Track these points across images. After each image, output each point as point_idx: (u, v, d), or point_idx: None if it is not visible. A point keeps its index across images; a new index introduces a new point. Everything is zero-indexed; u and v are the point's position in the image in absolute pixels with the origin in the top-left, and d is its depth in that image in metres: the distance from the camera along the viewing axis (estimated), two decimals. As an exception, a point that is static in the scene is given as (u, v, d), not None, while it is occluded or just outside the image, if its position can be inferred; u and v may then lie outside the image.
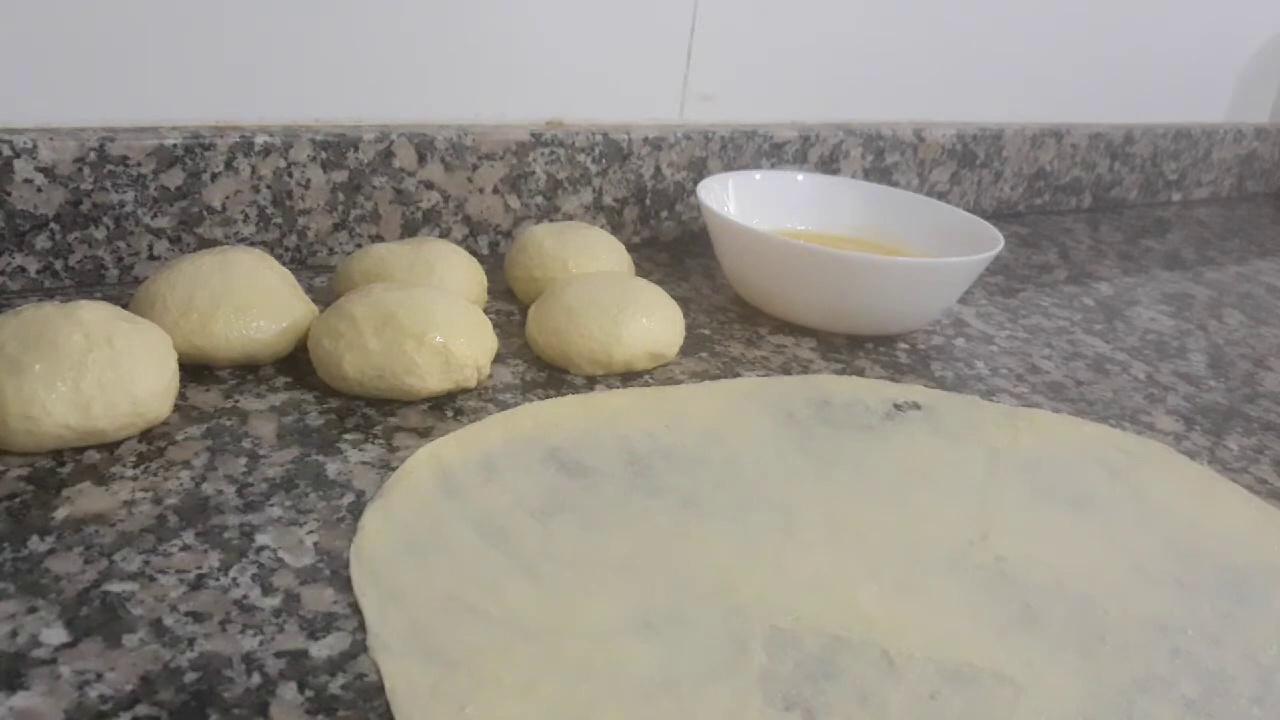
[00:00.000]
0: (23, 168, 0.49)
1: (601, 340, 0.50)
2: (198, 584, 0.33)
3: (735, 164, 0.74)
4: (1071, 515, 0.44)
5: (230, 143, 0.54)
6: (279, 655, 0.31)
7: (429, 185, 0.62)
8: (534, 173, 0.66)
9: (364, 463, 0.41)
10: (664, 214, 0.73)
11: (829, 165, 0.80)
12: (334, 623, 0.32)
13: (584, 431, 0.45)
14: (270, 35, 0.55)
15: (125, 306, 0.46)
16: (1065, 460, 0.49)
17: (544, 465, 0.42)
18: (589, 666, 0.32)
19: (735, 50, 0.73)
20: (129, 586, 0.33)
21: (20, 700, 0.28)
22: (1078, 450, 0.50)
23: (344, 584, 0.34)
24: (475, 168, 0.63)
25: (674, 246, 0.73)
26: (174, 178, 0.54)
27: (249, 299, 0.46)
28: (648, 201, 0.72)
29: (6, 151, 0.49)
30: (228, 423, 0.43)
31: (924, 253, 0.65)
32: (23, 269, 0.51)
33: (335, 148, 0.58)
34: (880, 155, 0.83)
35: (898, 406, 0.52)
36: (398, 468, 0.41)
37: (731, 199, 0.66)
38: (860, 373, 0.56)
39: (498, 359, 0.51)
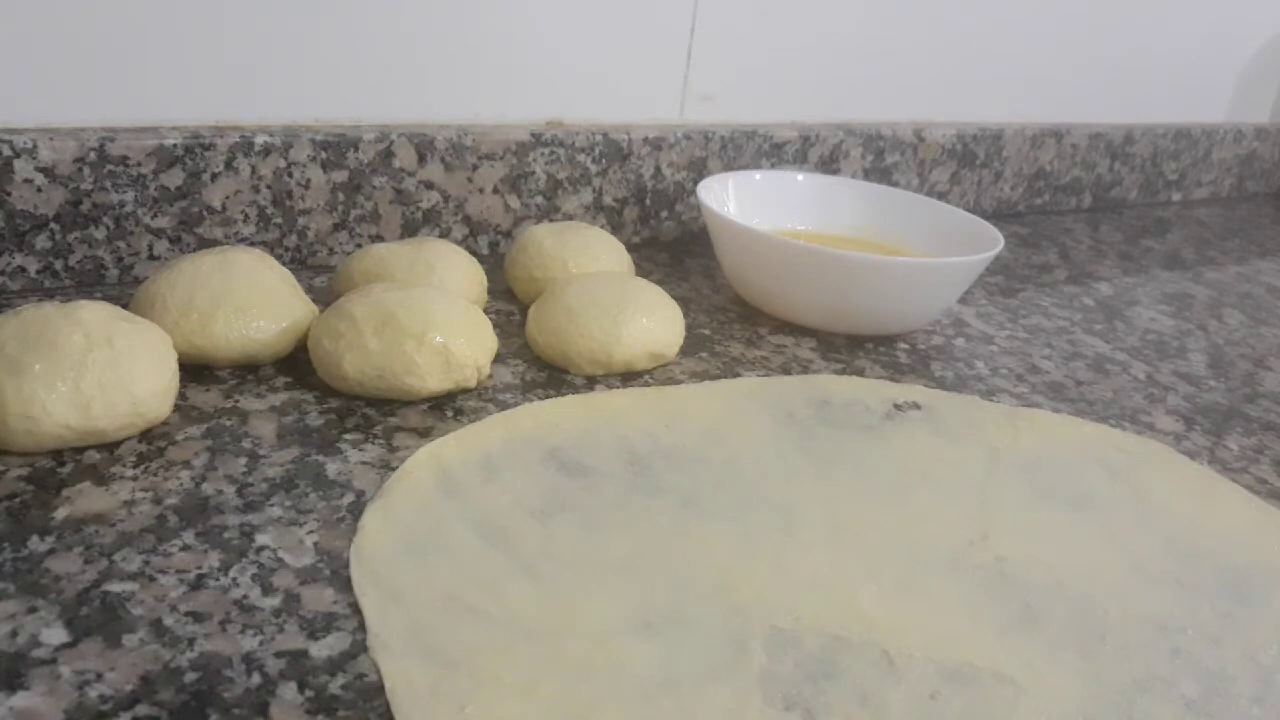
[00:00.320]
0: (23, 168, 0.49)
1: (601, 340, 0.50)
2: (198, 584, 0.33)
3: (735, 164, 0.74)
4: (1071, 515, 0.44)
5: (230, 143, 0.54)
6: (279, 655, 0.31)
7: (429, 185, 0.62)
8: (534, 173, 0.66)
9: (364, 463, 0.41)
10: (664, 214, 0.73)
11: (829, 165, 0.80)
12: (334, 623, 0.32)
13: (584, 431, 0.45)
14: (270, 35, 0.55)
15: (125, 306, 0.46)
16: (1065, 460, 0.49)
17: (544, 465, 0.42)
18: (589, 666, 0.32)
19: (735, 50, 0.73)
20: (129, 586, 0.33)
21: (20, 700, 0.28)
22: (1078, 450, 0.50)
23: (344, 584, 0.34)
24: (475, 168, 0.63)
25: (674, 246, 0.73)
26: (174, 178, 0.54)
27: (249, 299, 0.46)
28: (648, 201, 0.72)
29: (6, 151, 0.49)
30: (228, 423, 0.43)
31: (924, 253, 0.65)
32: (23, 269, 0.51)
33: (335, 148, 0.58)
34: (880, 155, 0.83)
35: (898, 406, 0.52)
36: (398, 468, 0.41)
37: (731, 199, 0.66)
38: (860, 373, 0.56)
39: (498, 359, 0.51)
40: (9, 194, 0.50)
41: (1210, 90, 1.12)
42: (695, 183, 0.72)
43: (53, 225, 0.51)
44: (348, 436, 0.43)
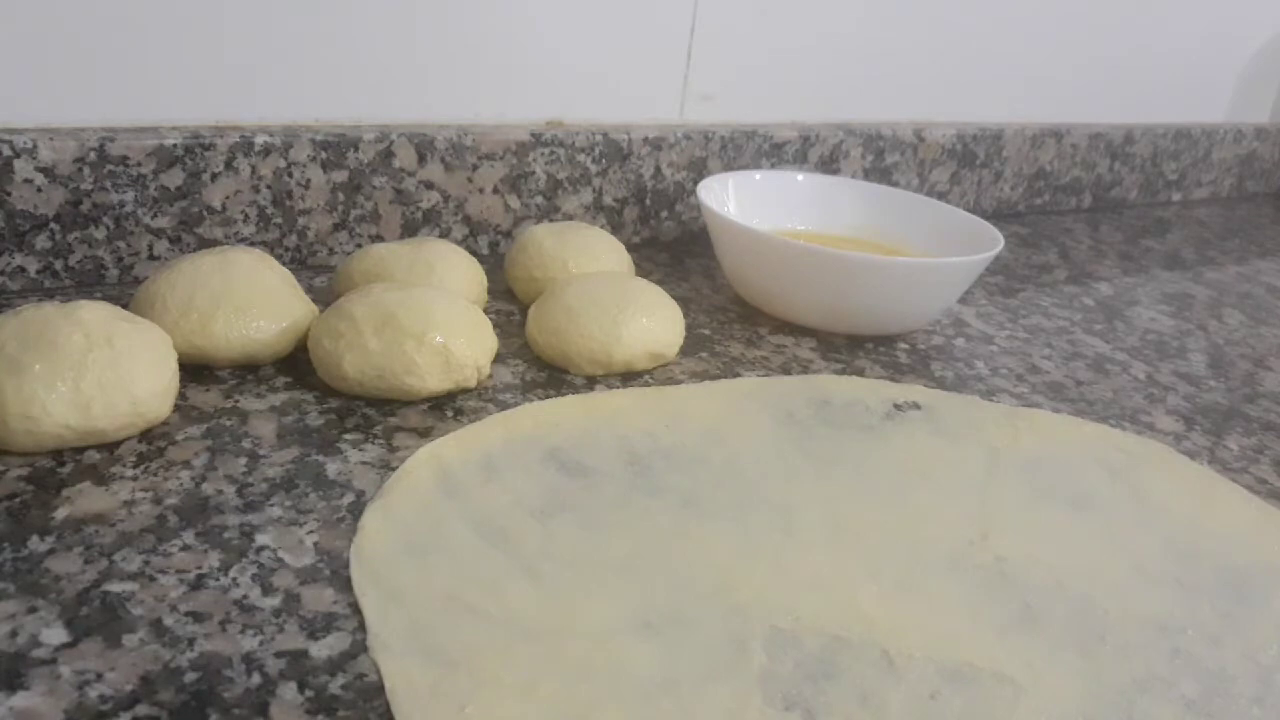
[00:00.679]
0: (23, 168, 0.49)
1: (601, 340, 0.50)
2: (198, 584, 0.33)
3: (735, 164, 0.74)
4: (1071, 515, 0.44)
5: (230, 143, 0.54)
6: (279, 655, 0.31)
7: (429, 185, 0.62)
8: (534, 173, 0.66)
9: (364, 463, 0.41)
10: (664, 214, 0.73)
11: (829, 165, 0.80)
12: (334, 623, 0.32)
13: (584, 431, 0.45)
14: (270, 35, 0.55)
15: (125, 306, 0.46)
16: (1065, 460, 0.49)
17: (544, 465, 0.42)
18: (589, 666, 0.32)
19: (735, 50, 0.73)
20: (129, 586, 0.33)
21: (20, 700, 0.28)
22: (1078, 450, 0.50)
23: (344, 584, 0.34)
24: (475, 168, 0.63)
25: (674, 246, 0.73)
26: (174, 178, 0.54)
27: (249, 299, 0.46)
28: (648, 201, 0.72)
29: (6, 151, 0.49)
30: (228, 423, 0.43)
31: (924, 253, 0.65)
32: (23, 269, 0.51)
33: (335, 148, 0.58)
34: (880, 155, 0.83)
35: (898, 406, 0.52)
36: (398, 468, 0.41)
37: (731, 199, 0.66)
38: (860, 373, 0.56)
39: (498, 359, 0.51)
40: (9, 194, 0.50)
41: (1210, 90, 1.12)
42: (695, 183, 0.72)
43: (53, 225, 0.51)
44: (348, 436, 0.43)
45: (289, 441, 0.42)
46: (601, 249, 0.58)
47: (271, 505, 0.38)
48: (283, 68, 0.56)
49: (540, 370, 0.51)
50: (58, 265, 0.52)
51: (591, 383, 0.50)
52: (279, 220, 0.58)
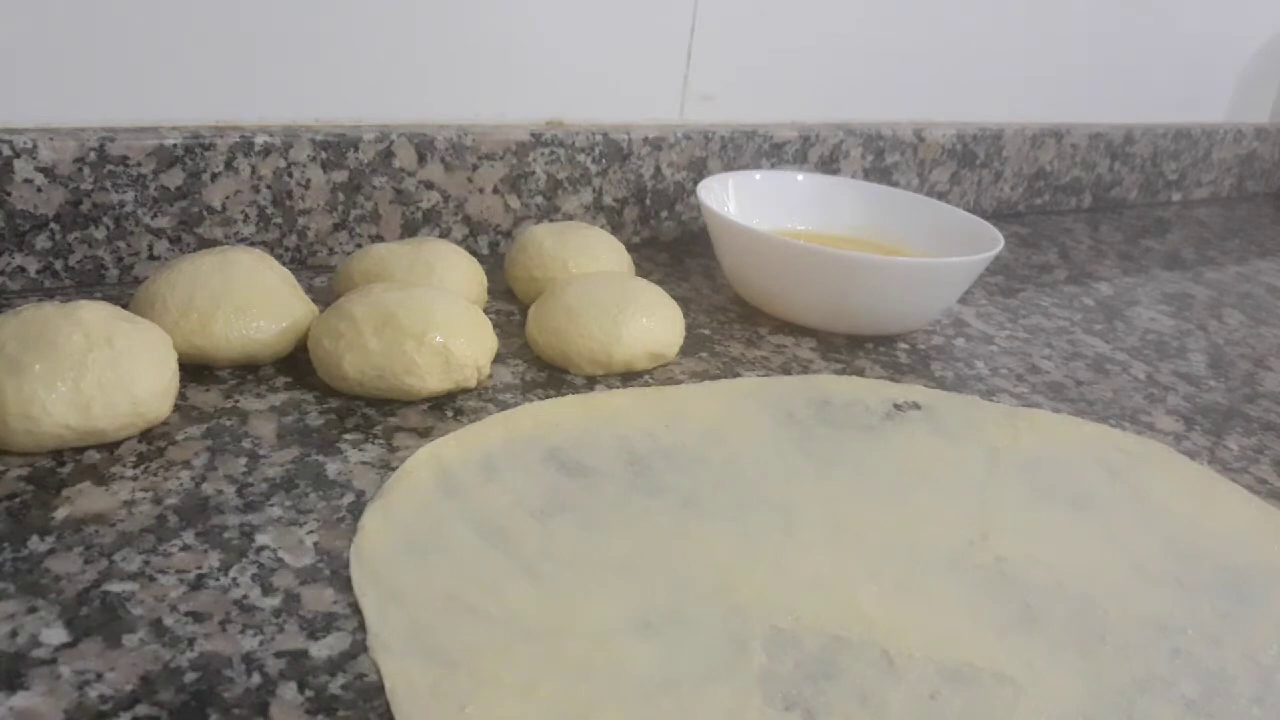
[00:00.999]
0: (23, 168, 0.49)
1: (601, 340, 0.50)
2: (198, 584, 0.33)
3: (735, 164, 0.74)
4: (1071, 515, 0.44)
5: (230, 143, 0.54)
6: (279, 655, 0.31)
7: (429, 185, 0.62)
8: (534, 173, 0.66)
9: (364, 463, 0.41)
10: (664, 214, 0.73)
11: (829, 165, 0.80)
12: (334, 623, 0.32)
13: (584, 431, 0.45)
14: (270, 35, 0.55)
15: (125, 306, 0.46)
16: (1065, 460, 0.49)
17: (544, 465, 0.42)
18: (589, 666, 0.32)
19: (735, 50, 0.73)
20: (129, 586, 0.33)
21: (20, 700, 0.28)
22: (1078, 450, 0.50)
23: (344, 584, 0.34)
24: (475, 168, 0.63)
25: (674, 246, 0.73)
26: (174, 178, 0.54)
27: (249, 299, 0.46)
28: (648, 201, 0.72)
29: (6, 151, 0.49)
30: (228, 423, 0.43)
31: (924, 253, 0.65)
32: (23, 269, 0.51)
33: (335, 148, 0.58)
34: (880, 155, 0.83)
35: (898, 406, 0.52)
36: (398, 468, 0.41)
37: (731, 199, 0.66)
38: (860, 373, 0.56)
39: (498, 359, 0.51)
40: (9, 194, 0.50)
41: (1210, 90, 1.12)
42: (695, 183, 0.72)
43: (53, 225, 0.51)
44: (348, 436, 0.43)
45: (289, 441, 0.42)
46: (601, 249, 0.58)
47: (271, 505, 0.38)
48: (283, 68, 0.56)
49: (540, 370, 0.51)
50: (58, 265, 0.52)
51: (591, 383, 0.50)
52: (279, 220, 0.58)
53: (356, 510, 0.38)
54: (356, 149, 0.58)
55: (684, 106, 0.73)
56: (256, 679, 0.30)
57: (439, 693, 0.30)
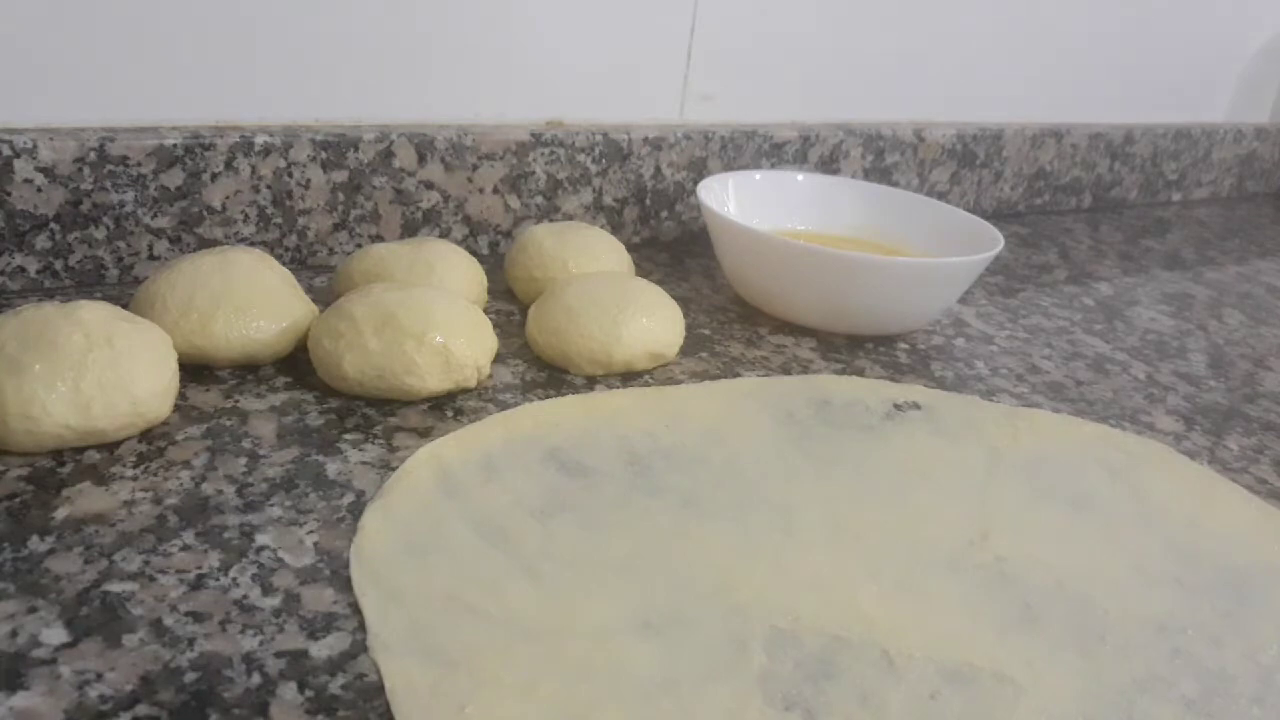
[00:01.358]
0: (23, 168, 0.49)
1: (601, 340, 0.50)
2: (198, 584, 0.33)
3: (735, 164, 0.74)
4: (1071, 515, 0.44)
5: (230, 143, 0.54)
6: (279, 655, 0.31)
7: (429, 185, 0.62)
8: (534, 173, 0.66)
9: (364, 463, 0.41)
10: (664, 214, 0.73)
11: (829, 165, 0.80)
12: (334, 623, 0.32)
13: (584, 431, 0.45)
14: (270, 35, 0.55)
15: (125, 306, 0.46)
16: (1065, 460, 0.49)
17: (544, 465, 0.42)
18: (589, 666, 0.32)
19: (735, 50, 0.73)
20: (129, 586, 0.33)
21: (20, 700, 0.28)
22: (1078, 450, 0.50)
23: (344, 584, 0.34)
24: (475, 168, 0.63)
25: (674, 246, 0.73)
26: (174, 178, 0.54)
27: (249, 299, 0.46)
28: (648, 201, 0.72)
29: (6, 151, 0.49)
30: (228, 423, 0.43)
31: (924, 253, 0.65)
32: (23, 269, 0.51)
33: (335, 148, 0.58)
34: (880, 155, 0.83)
35: (898, 406, 0.52)
36: (398, 468, 0.41)
37: (731, 199, 0.66)
38: (860, 373, 0.56)
39: (498, 359, 0.51)
40: (9, 194, 0.50)
41: (1210, 90, 1.12)
42: (695, 183, 0.72)
43: (53, 225, 0.51)
44: (348, 436, 0.43)
45: (289, 441, 0.42)
46: (601, 249, 0.58)
47: (271, 505, 0.38)
48: (283, 68, 0.56)
49: (540, 370, 0.51)
50: (58, 265, 0.52)
51: (591, 383, 0.50)
52: (279, 220, 0.58)
53: (356, 510, 0.38)
54: (356, 149, 0.58)
55: (684, 106, 0.73)
56: (256, 679, 0.30)
57: (439, 693, 0.30)
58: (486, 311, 0.56)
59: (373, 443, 0.43)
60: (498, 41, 0.63)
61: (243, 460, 0.40)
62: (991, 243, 0.60)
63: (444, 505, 0.39)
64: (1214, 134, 1.12)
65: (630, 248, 0.69)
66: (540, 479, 0.41)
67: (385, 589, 0.34)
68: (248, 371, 0.47)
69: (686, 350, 0.55)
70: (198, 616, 0.32)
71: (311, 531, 0.36)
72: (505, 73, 0.64)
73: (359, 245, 0.61)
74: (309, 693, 0.30)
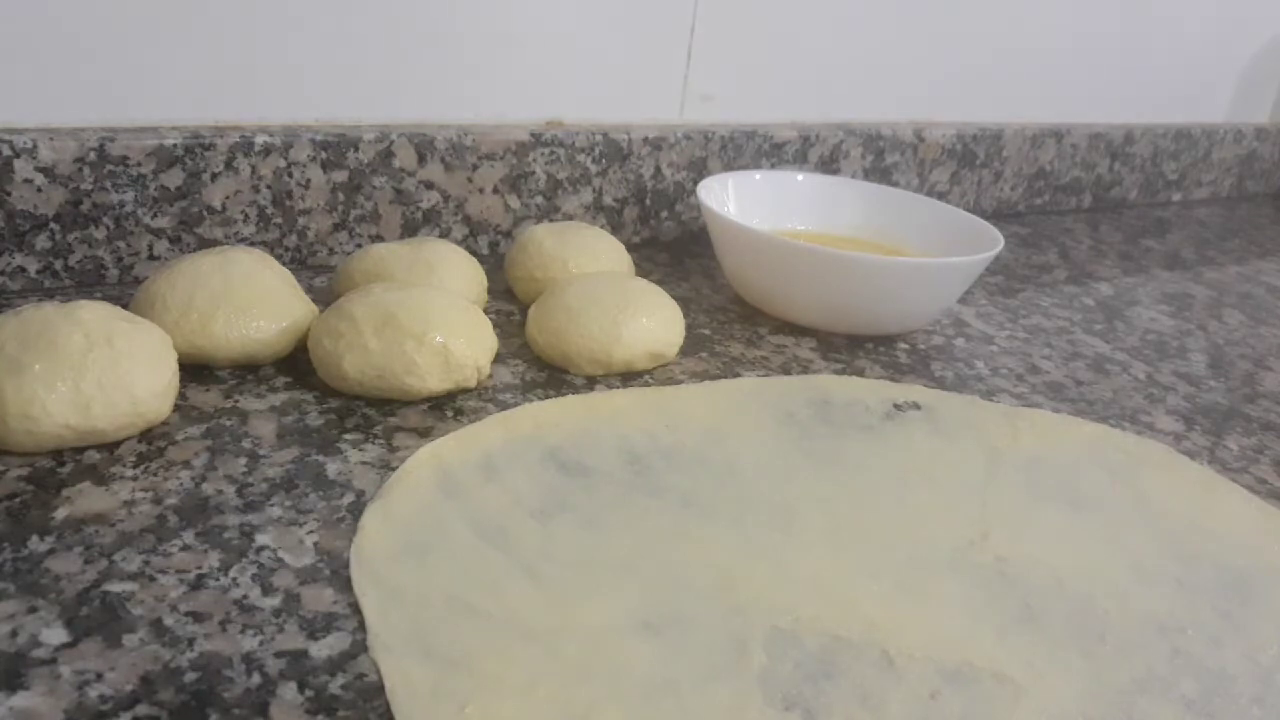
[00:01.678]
0: (23, 168, 0.49)
1: (601, 340, 0.50)
2: (198, 584, 0.33)
3: (735, 164, 0.74)
4: (1071, 515, 0.44)
5: (230, 143, 0.54)
6: (279, 655, 0.31)
7: (429, 185, 0.62)
8: (534, 173, 0.66)
9: (364, 463, 0.41)
10: (664, 214, 0.73)
11: (829, 165, 0.80)
12: (334, 623, 0.32)
13: (584, 431, 0.45)
14: (270, 35, 0.55)
15: (125, 306, 0.46)
16: (1065, 460, 0.49)
17: (544, 465, 0.42)
18: (589, 666, 0.32)
19: (735, 50, 0.73)
20: (129, 586, 0.33)
21: (20, 700, 0.28)
22: (1078, 450, 0.50)
23: (344, 584, 0.34)
24: (475, 168, 0.63)
25: (674, 246, 0.73)
26: (174, 178, 0.54)
27: (249, 299, 0.46)
28: (648, 201, 0.72)
29: (6, 151, 0.49)
30: (228, 423, 0.43)
31: (924, 253, 0.65)
32: (23, 269, 0.51)
33: (335, 148, 0.58)
34: (880, 155, 0.83)
35: (898, 406, 0.52)
36: (398, 468, 0.41)
37: (731, 199, 0.66)
38: (860, 373, 0.56)
39: (498, 359, 0.51)
40: (9, 194, 0.50)
41: (1210, 90, 1.12)
42: (695, 183, 0.72)
43: (53, 225, 0.51)
44: (348, 436, 0.43)
45: (289, 441, 0.42)
46: (601, 249, 0.58)
47: (271, 505, 0.38)
48: (283, 68, 0.56)
49: (540, 370, 0.51)
50: (58, 265, 0.52)
51: (591, 383, 0.50)
52: (279, 220, 0.58)
53: (356, 510, 0.38)
54: (356, 149, 0.58)
55: (684, 106, 0.73)
56: (256, 679, 0.30)
57: (439, 693, 0.30)
58: (486, 311, 0.56)
59: (373, 443, 0.43)
60: (498, 41, 0.63)
61: (243, 460, 0.40)
62: (991, 243, 0.60)
63: (444, 505, 0.39)
64: (1214, 134, 1.12)
65: (630, 248, 0.69)
66: (540, 479, 0.41)
67: (385, 589, 0.34)
68: (248, 371, 0.47)
69: (686, 350, 0.55)
70: (198, 616, 0.32)
71: (311, 531, 0.36)
72: (505, 73, 0.64)
73: (359, 245, 0.61)
74: (309, 693, 0.30)
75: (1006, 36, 0.89)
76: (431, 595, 0.34)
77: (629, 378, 0.51)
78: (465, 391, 0.47)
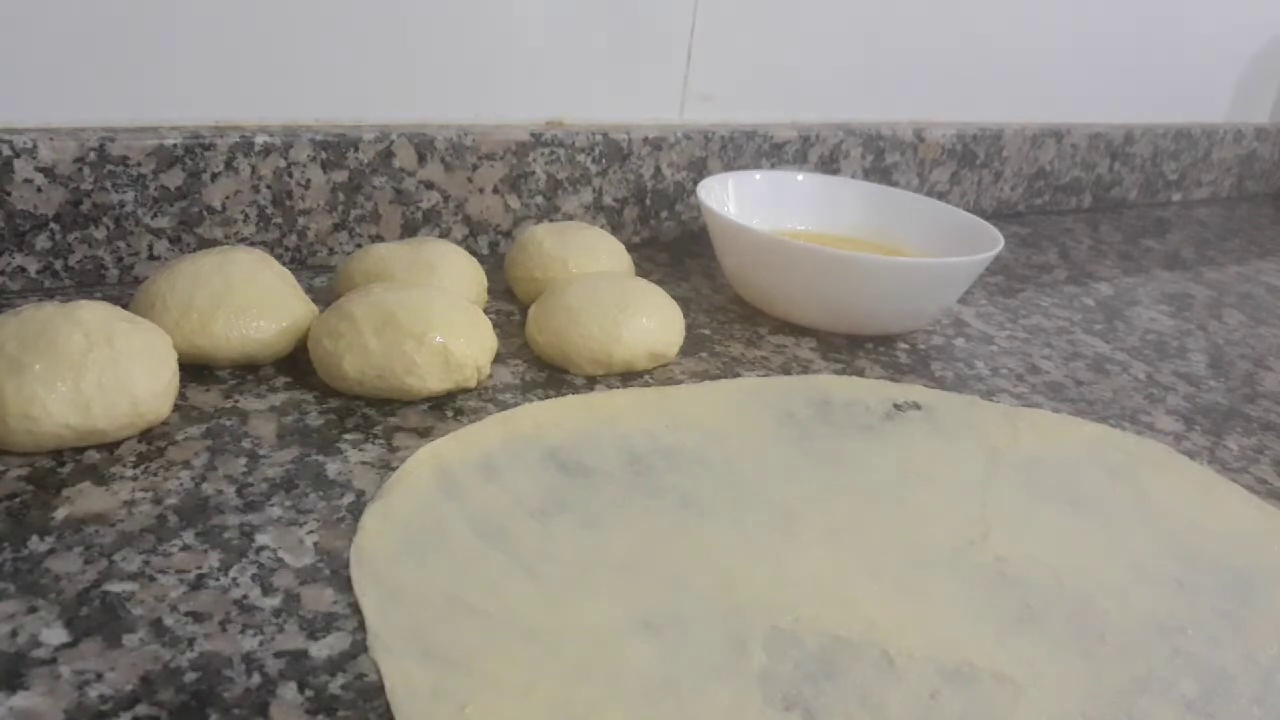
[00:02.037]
0: (23, 168, 0.49)
1: (601, 340, 0.50)
2: (198, 584, 0.33)
3: (735, 164, 0.74)
4: (1071, 515, 0.44)
5: (230, 143, 0.54)
6: (279, 655, 0.31)
7: (429, 185, 0.62)
8: (534, 173, 0.66)
9: (364, 463, 0.41)
10: (664, 214, 0.73)
11: (829, 165, 0.80)
12: (334, 623, 0.32)
13: (584, 431, 0.45)
14: (270, 35, 0.55)
15: (125, 306, 0.46)
16: (1065, 460, 0.49)
17: (544, 465, 0.42)
18: (589, 666, 0.32)
19: (735, 50, 0.73)
20: (129, 586, 0.33)
21: (20, 700, 0.28)
22: (1078, 450, 0.50)
23: (344, 584, 0.34)
24: (475, 168, 0.63)
25: (674, 246, 0.73)
26: (174, 178, 0.54)
27: (249, 299, 0.46)
28: (648, 201, 0.72)
29: (6, 151, 0.49)
30: (228, 423, 0.43)
31: (924, 253, 0.65)
32: (23, 269, 0.51)
33: (335, 148, 0.58)
34: (880, 155, 0.83)
35: (898, 406, 0.52)
36: (398, 468, 0.41)
37: (731, 199, 0.66)
38: (860, 373, 0.56)
39: (498, 359, 0.51)
40: (9, 194, 0.50)
41: (1210, 90, 1.12)
42: (695, 183, 0.72)
43: (53, 225, 0.51)
44: (348, 436, 0.43)
45: (289, 441, 0.42)
46: (601, 249, 0.58)
47: (271, 505, 0.38)
48: (283, 68, 0.56)
49: (540, 370, 0.51)
50: (58, 265, 0.52)
51: (591, 383, 0.50)
52: (279, 220, 0.58)
53: (356, 510, 0.38)
54: (356, 149, 0.58)
55: (684, 106, 0.73)
56: (256, 679, 0.30)
57: (439, 693, 0.30)
58: (486, 311, 0.56)
59: (373, 443, 0.43)
60: (498, 41, 0.63)
61: (243, 460, 0.40)
62: (991, 243, 0.60)
63: (444, 505, 0.39)
64: (1214, 134, 1.12)
65: (630, 248, 0.69)
66: (540, 479, 0.41)
67: (385, 589, 0.34)
68: (248, 371, 0.47)
69: (686, 350, 0.55)
70: (198, 616, 0.32)
71: (311, 531, 0.36)
72: (505, 73, 0.64)
73: (359, 245, 0.61)
74: (309, 693, 0.30)
75: (1006, 36, 0.89)
76: (431, 595, 0.34)
77: (629, 378, 0.51)
78: (465, 391, 0.47)
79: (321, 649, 0.31)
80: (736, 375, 0.53)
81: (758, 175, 0.69)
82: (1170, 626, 0.38)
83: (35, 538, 0.34)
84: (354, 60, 0.58)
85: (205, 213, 0.55)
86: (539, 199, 0.67)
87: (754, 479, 0.43)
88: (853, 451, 0.47)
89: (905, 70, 0.84)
